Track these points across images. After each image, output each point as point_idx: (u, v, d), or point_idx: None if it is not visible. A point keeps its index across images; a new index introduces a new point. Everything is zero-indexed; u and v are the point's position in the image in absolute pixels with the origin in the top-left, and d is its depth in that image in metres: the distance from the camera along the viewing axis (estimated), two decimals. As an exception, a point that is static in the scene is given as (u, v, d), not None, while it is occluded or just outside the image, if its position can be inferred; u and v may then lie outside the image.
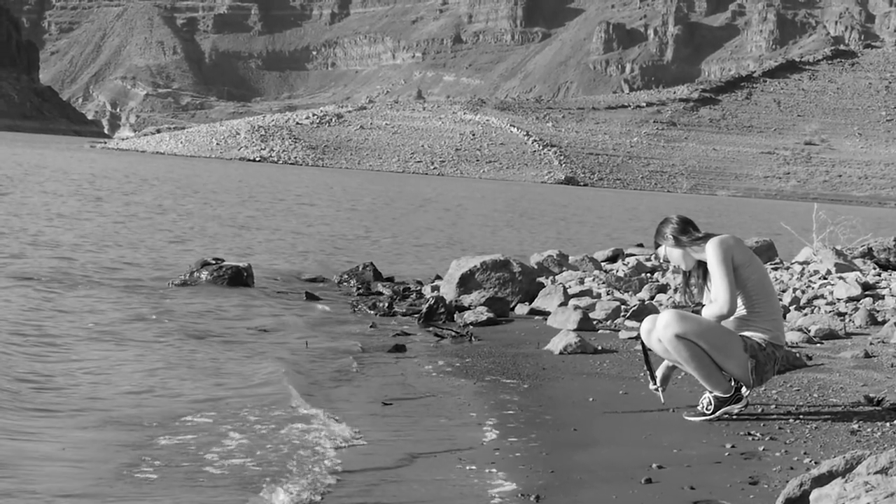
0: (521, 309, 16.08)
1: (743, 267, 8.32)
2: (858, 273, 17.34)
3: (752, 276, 8.34)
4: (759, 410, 8.75)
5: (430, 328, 14.44)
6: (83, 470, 7.14)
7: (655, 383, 8.76)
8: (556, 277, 18.95)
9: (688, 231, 8.57)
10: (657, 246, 8.77)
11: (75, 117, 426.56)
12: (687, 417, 8.53)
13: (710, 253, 8.32)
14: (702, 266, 8.59)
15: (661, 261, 8.79)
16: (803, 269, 18.44)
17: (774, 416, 8.56)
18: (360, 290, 18.86)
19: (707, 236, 8.49)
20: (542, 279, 18.08)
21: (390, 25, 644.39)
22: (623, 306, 15.46)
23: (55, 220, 30.25)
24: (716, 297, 8.31)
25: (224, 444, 7.93)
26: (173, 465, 7.34)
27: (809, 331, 12.82)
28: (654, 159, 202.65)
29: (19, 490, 6.61)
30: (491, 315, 15.11)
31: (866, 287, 15.93)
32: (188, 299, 16.52)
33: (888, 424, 8.24)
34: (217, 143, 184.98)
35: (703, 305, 8.52)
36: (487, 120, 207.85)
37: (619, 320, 14.73)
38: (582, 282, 18.37)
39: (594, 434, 8.20)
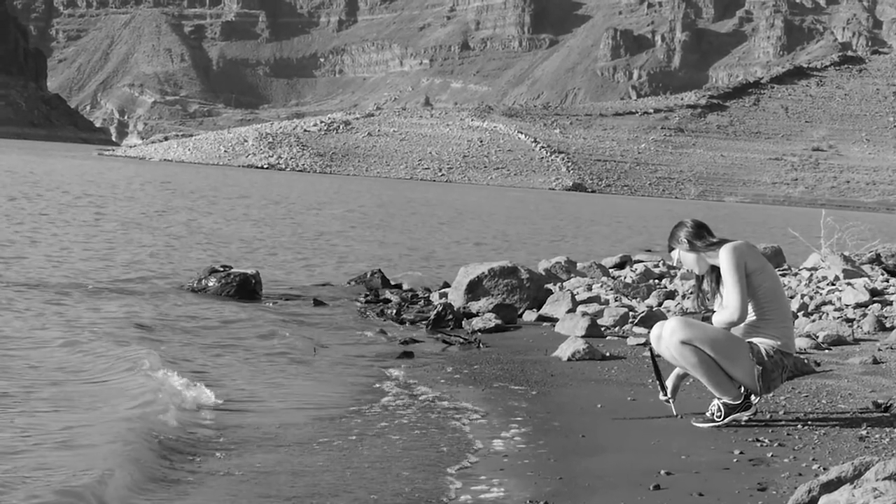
0: (529, 315, 16.09)
1: (755, 274, 8.31)
2: (866, 279, 17.32)
3: (763, 284, 8.33)
4: (768, 417, 8.75)
5: (438, 335, 14.44)
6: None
7: (666, 394, 8.76)
8: (564, 284, 18.94)
9: (702, 236, 8.57)
10: (671, 249, 8.76)
11: (83, 125, 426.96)
12: (695, 424, 8.52)
13: (724, 259, 8.31)
14: (715, 271, 8.58)
15: (675, 264, 8.77)
16: (811, 275, 18.42)
17: (783, 423, 8.56)
18: (369, 297, 18.87)
19: (721, 242, 8.48)
20: (549, 286, 18.09)
21: (398, 32, 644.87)
22: (631, 313, 15.47)
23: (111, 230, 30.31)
24: (727, 303, 8.31)
25: (235, 452, 7.95)
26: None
27: (818, 337, 12.81)
28: (662, 165, 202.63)
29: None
30: (499, 322, 15.12)
31: (874, 293, 15.91)
32: (196, 307, 16.53)
33: (897, 430, 8.24)
34: (225, 151, 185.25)
35: (714, 312, 8.52)
36: (495, 126, 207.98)
37: (627, 327, 14.73)
38: (590, 288, 18.37)
39: (602, 440, 8.20)
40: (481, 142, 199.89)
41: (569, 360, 12.07)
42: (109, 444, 7.81)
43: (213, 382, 10.55)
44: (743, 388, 8.44)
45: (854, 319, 14.19)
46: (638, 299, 17.41)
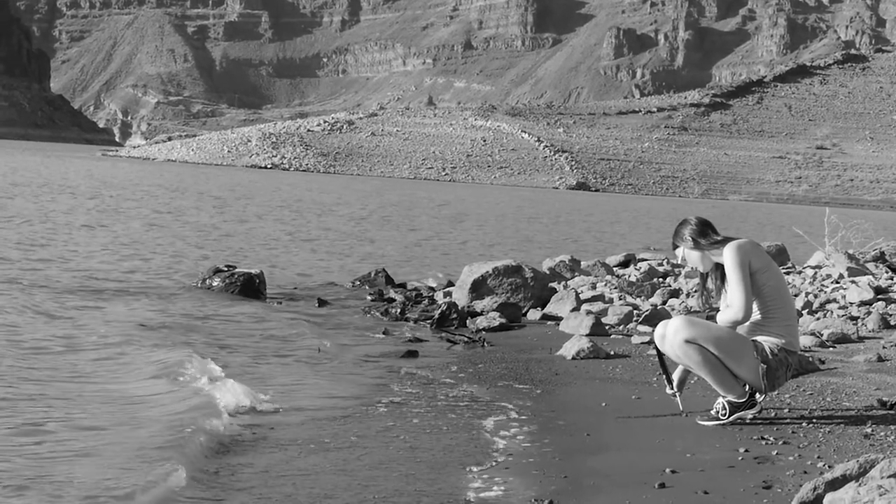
0: (534, 314, 16.09)
1: (760, 272, 8.30)
2: (871, 277, 17.32)
3: (768, 282, 8.33)
4: (773, 415, 8.75)
5: (443, 334, 14.45)
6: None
7: (672, 388, 8.76)
8: (569, 283, 18.94)
9: (706, 234, 8.56)
10: (675, 247, 8.75)
11: (86, 125, 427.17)
12: (700, 422, 8.52)
13: (728, 258, 8.31)
14: (719, 269, 8.57)
15: (679, 262, 8.77)
16: (815, 273, 18.42)
17: (788, 421, 8.56)
18: (373, 297, 18.87)
19: (725, 240, 8.47)
20: (554, 284, 18.08)
21: (401, 32, 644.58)
22: (635, 311, 15.47)
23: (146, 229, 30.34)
24: (731, 302, 8.31)
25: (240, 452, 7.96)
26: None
27: (822, 335, 12.81)
28: (666, 164, 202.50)
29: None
30: (503, 320, 15.12)
31: (879, 291, 15.91)
32: (200, 307, 16.54)
33: (902, 428, 8.24)
34: (228, 151, 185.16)
35: (718, 310, 8.52)
36: (498, 126, 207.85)
37: (631, 325, 14.73)
38: (594, 287, 18.37)
39: (607, 439, 8.20)
40: (485, 141, 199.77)
41: (573, 358, 12.07)
42: (151, 449, 7.81)
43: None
44: (747, 387, 8.44)
45: (858, 317, 14.19)
46: (642, 298, 17.41)
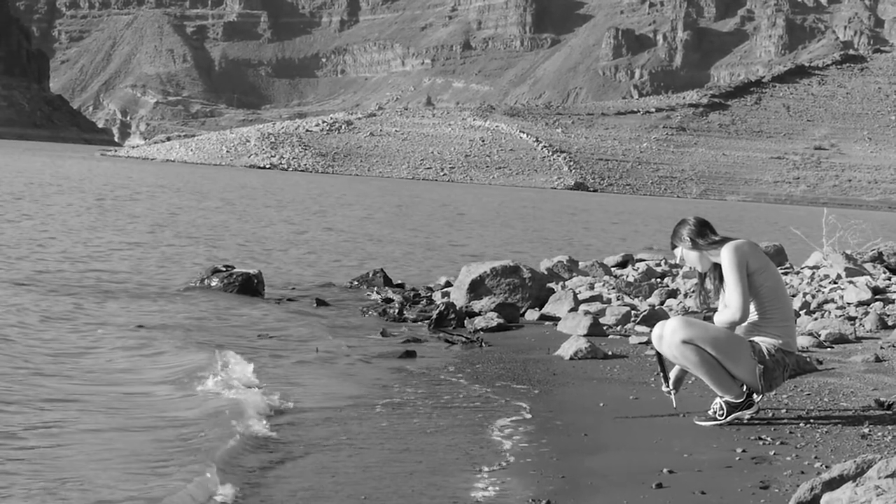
0: (532, 314, 16.09)
1: (757, 273, 8.30)
2: (868, 277, 17.32)
3: (766, 283, 8.32)
4: (770, 415, 8.75)
5: (441, 334, 14.44)
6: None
7: (668, 386, 8.76)
8: (567, 283, 18.94)
9: (705, 234, 8.55)
10: (673, 247, 8.74)
11: (85, 126, 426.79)
12: (698, 422, 8.52)
13: (725, 258, 8.30)
14: (717, 268, 8.56)
15: (678, 262, 8.77)
16: (813, 273, 18.43)
17: (785, 421, 8.56)
18: (371, 297, 18.85)
19: (724, 240, 8.47)
20: (552, 285, 18.08)
21: (399, 32, 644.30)
22: (633, 311, 15.47)
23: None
24: (729, 302, 8.31)
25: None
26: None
27: (820, 335, 12.81)
28: (664, 164, 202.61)
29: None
30: (501, 321, 15.12)
31: (876, 291, 15.91)
32: (199, 306, 16.53)
33: (899, 428, 8.24)
34: (227, 151, 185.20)
35: (716, 311, 8.52)
36: (497, 126, 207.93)
37: (629, 325, 14.74)
38: (592, 287, 18.37)
39: (605, 439, 8.20)
40: (483, 141, 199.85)
41: (571, 358, 12.07)
42: (159, 452, 7.82)
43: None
44: (745, 387, 8.44)
45: (856, 318, 14.19)
46: (640, 298, 17.42)
